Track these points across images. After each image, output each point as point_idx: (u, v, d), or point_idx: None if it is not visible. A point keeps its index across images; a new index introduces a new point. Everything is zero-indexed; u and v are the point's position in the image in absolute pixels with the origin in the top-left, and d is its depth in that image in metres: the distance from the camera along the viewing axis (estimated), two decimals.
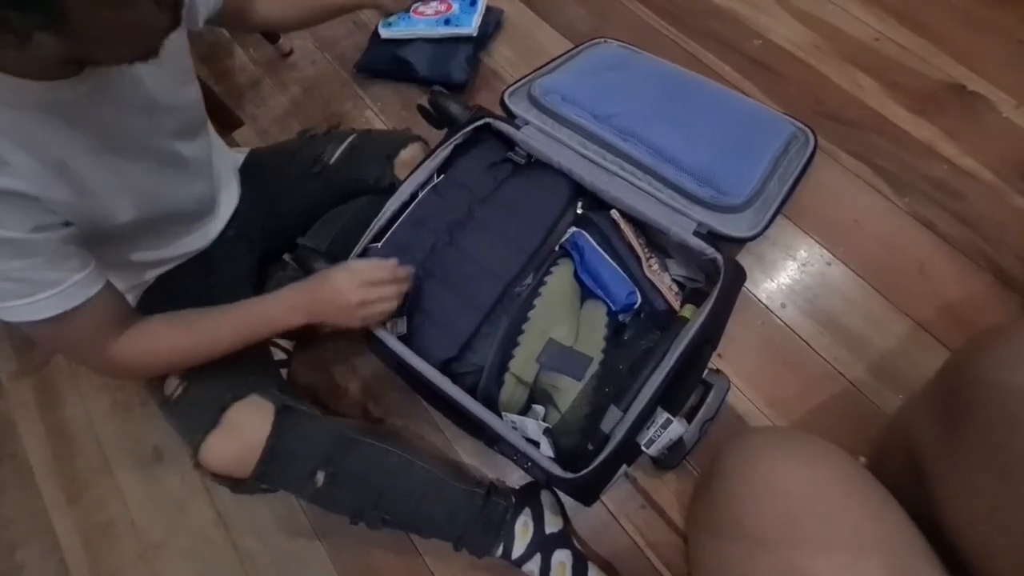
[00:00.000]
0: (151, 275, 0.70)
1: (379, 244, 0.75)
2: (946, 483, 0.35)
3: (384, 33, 1.10)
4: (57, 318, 0.49)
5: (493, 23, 1.13)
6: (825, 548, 0.30)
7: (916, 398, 0.42)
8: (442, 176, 0.80)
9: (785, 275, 0.87)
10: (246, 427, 0.61)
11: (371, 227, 0.75)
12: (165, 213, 0.63)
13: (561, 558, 0.67)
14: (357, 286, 0.61)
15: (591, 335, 0.74)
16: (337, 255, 0.74)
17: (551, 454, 0.66)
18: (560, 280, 0.76)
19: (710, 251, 0.70)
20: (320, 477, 0.62)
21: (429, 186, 0.79)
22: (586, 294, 0.78)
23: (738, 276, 0.72)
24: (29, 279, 0.47)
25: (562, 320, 0.74)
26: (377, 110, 1.12)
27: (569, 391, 0.69)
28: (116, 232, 0.57)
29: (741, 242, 0.73)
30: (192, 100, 0.65)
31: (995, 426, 0.31)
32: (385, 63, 1.12)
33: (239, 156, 0.83)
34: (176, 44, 0.59)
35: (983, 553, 0.32)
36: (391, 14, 0.97)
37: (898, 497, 0.35)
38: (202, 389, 0.63)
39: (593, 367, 0.70)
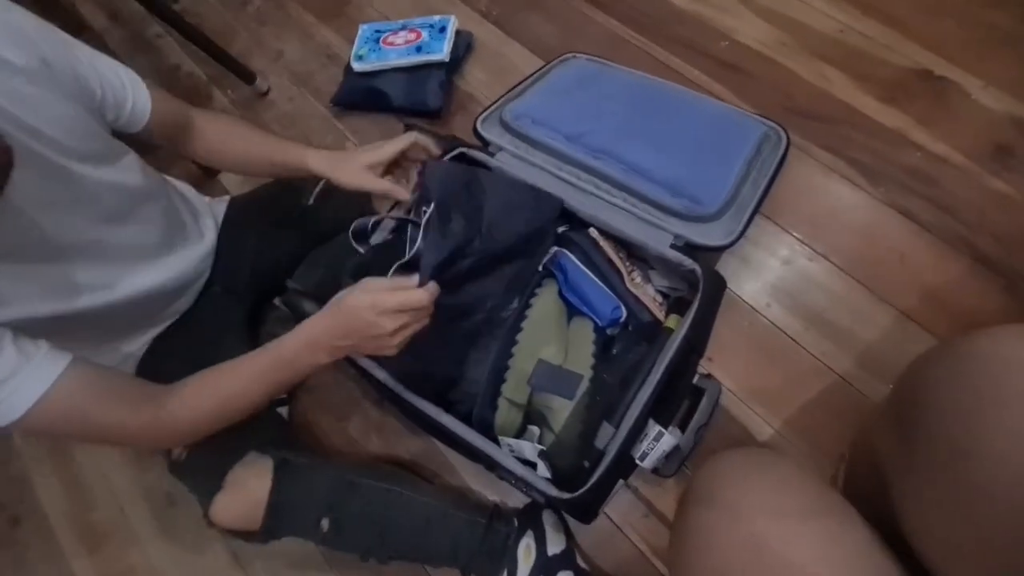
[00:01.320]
0: (140, 343, 0.71)
1: None
2: (905, 496, 0.36)
3: (357, 67, 1.12)
4: (38, 405, 0.47)
5: (463, 47, 1.14)
6: (787, 573, 0.31)
7: (877, 409, 0.44)
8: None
9: (768, 274, 0.89)
10: (248, 486, 0.63)
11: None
12: (125, 298, 0.63)
13: None
14: (388, 314, 0.55)
15: (580, 352, 0.75)
16: (325, 294, 0.76)
17: (548, 475, 0.67)
18: (545, 301, 0.78)
19: (688, 262, 0.72)
20: (325, 524, 0.65)
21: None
22: (572, 312, 0.80)
23: (718, 285, 0.73)
24: None
25: (550, 340, 0.75)
26: (357, 142, 1.14)
27: (562, 410, 0.71)
28: (81, 322, 0.57)
29: (718, 250, 0.74)
30: (112, 182, 0.61)
31: (941, 443, 0.33)
32: (360, 95, 1.14)
33: (220, 208, 0.84)
34: (68, 127, 0.55)
35: (943, 565, 0.34)
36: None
37: (869, 508, 0.37)
38: (203, 453, 0.65)
39: (584, 384, 0.72)
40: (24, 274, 0.52)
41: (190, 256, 0.74)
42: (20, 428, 0.48)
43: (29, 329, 0.50)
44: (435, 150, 0.75)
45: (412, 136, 0.72)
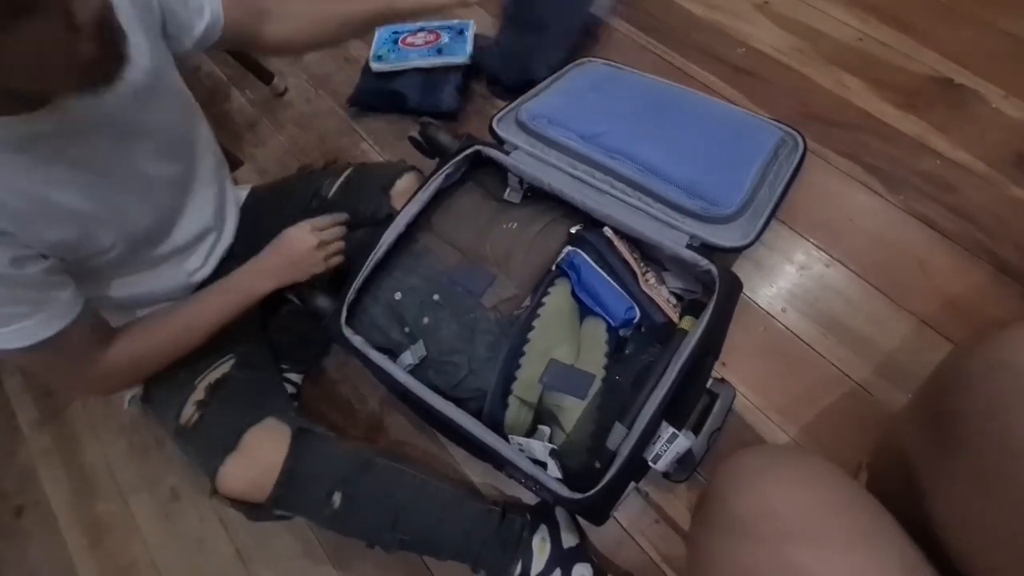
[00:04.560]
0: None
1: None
2: (937, 496, 0.35)
3: (376, 67, 1.13)
4: (46, 342, 0.51)
5: (479, 49, 1.15)
6: (818, 571, 0.30)
7: (905, 409, 0.42)
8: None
9: (784, 279, 0.87)
10: (263, 450, 0.62)
11: (369, 260, 0.76)
12: (149, 233, 0.64)
13: (581, 571, 0.67)
14: (309, 231, 0.71)
15: (592, 352, 0.74)
16: (337, 288, 0.76)
17: (559, 475, 0.66)
18: (558, 300, 0.77)
19: (704, 263, 0.71)
20: (337, 499, 0.63)
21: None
22: (585, 312, 0.79)
23: (734, 286, 0.72)
24: (13, 311, 0.49)
25: (563, 339, 0.74)
26: (372, 142, 1.15)
27: (573, 410, 0.70)
28: (101, 261, 0.58)
29: (735, 251, 0.74)
30: (169, 120, 0.64)
31: (981, 438, 0.31)
32: (377, 96, 1.15)
33: (242, 192, 0.85)
34: (142, 67, 0.58)
35: (979, 566, 0.32)
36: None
37: (895, 508, 0.35)
38: (218, 414, 0.64)
39: (596, 385, 0.71)
40: (92, 189, 0.55)
41: (202, 205, 0.74)
42: (33, 356, 0.51)
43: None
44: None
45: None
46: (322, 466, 0.64)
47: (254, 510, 0.62)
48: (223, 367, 0.68)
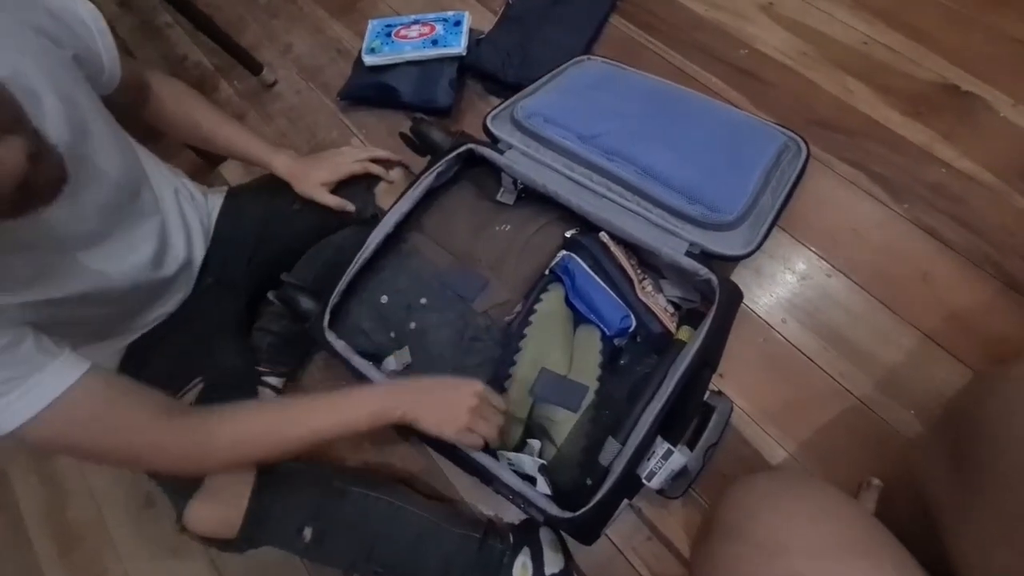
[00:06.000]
0: (129, 339, 0.68)
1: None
2: (959, 533, 0.32)
3: (369, 60, 1.09)
4: (53, 407, 0.45)
5: (475, 43, 1.12)
6: None
7: (923, 442, 0.40)
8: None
9: (784, 289, 0.85)
10: (228, 489, 0.59)
11: (355, 261, 0.73)
12: (117, 291, 0.60)
13: None
14: (480, 396, 0.59)
15: (586, 362, 0.71)
16: (322, 290, 0.73)
17: (548, 491, 0.63)
18: (551, 306, 0.74)
19: (704, 271, 0.68)
20: (308, 533, 0.60)
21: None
22: (579, 320, 0.76)
23: (734, 295, 0.69)
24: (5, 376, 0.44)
25: (555, 348, 0.71)
26: (362, 137, 1.11)
27: (565, 423, 0.67)
28: (77, 315, 0.55)
29: (735, 260, 0.71)
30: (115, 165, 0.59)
31: (1008, 476, 0.29)
32: (369, 90, 1.11)
33: (216, 200, 0.81)
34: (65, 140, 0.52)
35: None
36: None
37: (910, 539, 0.33)
38: None
39: (589, 396, 0.68)
40: (52, 262, 0.51)
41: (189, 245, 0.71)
42: (33, 435, 0.45)
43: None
44: (389, 178, 0.83)
45: (365, 165, 0.81)
46: (290, 501, 0.61)
47: (226, 545, 0.60)
48: (189, 395, 0.66)
